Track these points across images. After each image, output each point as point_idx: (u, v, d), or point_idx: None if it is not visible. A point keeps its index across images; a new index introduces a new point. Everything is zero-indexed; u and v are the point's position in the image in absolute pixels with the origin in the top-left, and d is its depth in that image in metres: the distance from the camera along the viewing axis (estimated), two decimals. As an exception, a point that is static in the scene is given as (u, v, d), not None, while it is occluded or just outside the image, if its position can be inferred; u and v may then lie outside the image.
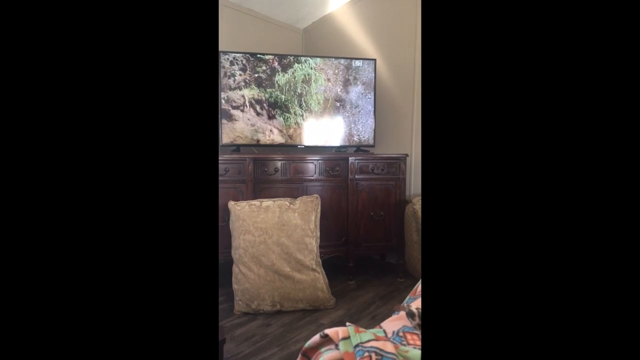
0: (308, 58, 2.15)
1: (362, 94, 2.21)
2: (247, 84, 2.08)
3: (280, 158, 1.93)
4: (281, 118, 2.14)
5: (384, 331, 0.73)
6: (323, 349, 0.67)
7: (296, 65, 2.13)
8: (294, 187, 1.94)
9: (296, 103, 2.15)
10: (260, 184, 1.90)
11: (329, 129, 2.20)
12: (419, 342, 0.68)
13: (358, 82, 2.20)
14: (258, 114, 2.11)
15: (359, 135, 2.23)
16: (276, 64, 2.11)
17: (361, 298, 1.79)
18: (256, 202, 1.70)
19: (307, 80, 2.15)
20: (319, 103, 2.18)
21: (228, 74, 2.04)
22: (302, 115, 2.17)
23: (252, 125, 2.10)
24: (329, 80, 2.17)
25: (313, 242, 1.69)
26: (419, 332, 0.73)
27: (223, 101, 2.04)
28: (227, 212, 1.71)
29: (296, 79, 2.14)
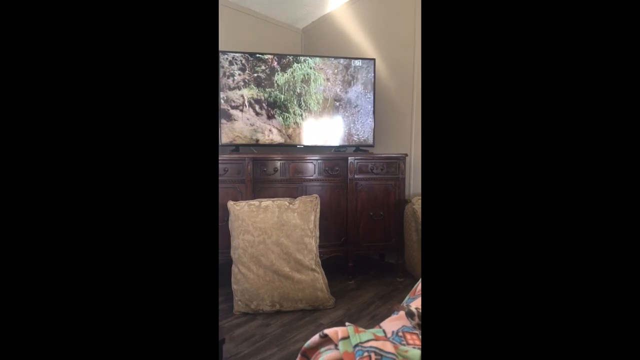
0: (307, 58, 2.15)
1: (361, 93, 2.21)
2: (246, 84, 2.08)
3: (279, 158, 1.93)
4: (280, 118, 2.14)
5: (384, 331, 0.73)
6: (322, 349, 0.67)
7: (295, 65, 2.13)
8: (293, 187, 1.94)
9: (295, 103, 2.15)
10: (259, 184, 1.90)
11: (328, 129, 2.20)
12: (418, 342, 0.68)
13: (357, 82, 2.20)
14: (257, 113, 2.11)
15: (358, 135, 2.22)
16: (275, 63, 2.11)
17: (360, 298, 1.79)
18: (255, 202, 1.70)
19: (306, 80, 2.15)
20: (318, 103, 2.18)
21: (227, 73, 2.04)
22: (302, 115, 2.17)
23: (251, 125, 2.10)
24: (328, 80, 2.17)
25: (312, 242, 1.69)
26: (418, 331, 0.73)
27: (222, 101, 2.04)
28: (226, 212, 1.70)
29: (295, 78, 2.14)
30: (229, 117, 2.06)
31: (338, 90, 2.19)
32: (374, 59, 2.22)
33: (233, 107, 2.07)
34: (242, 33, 2.65)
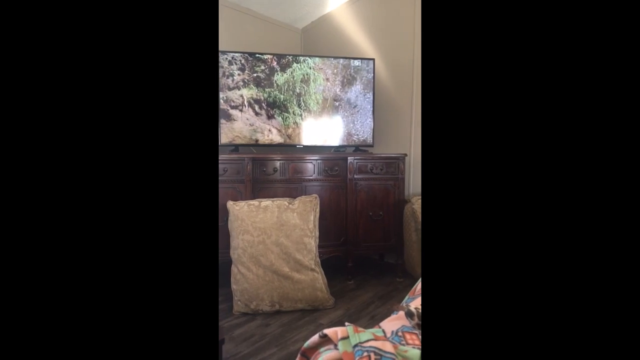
0: (307, 58, 2.15)
1: (360, 93, 2.21)
2: (245, 84, 2.07)
3: (279, 158, 1.93)
4: (280, 118, 2.14)
5: (383, 331, 0.73)
6: (322, 349, 0.67)
7: (295, 64, 2.13)
8: (292, 187, 1.94)
9: (295, 103, 2.15)
10: (259, 184, 1.90)
11: (327, 129, 2.20)
12: (418, 342, 0.68)
13: (357, 82, 2.20)
14: (257, 113, 2.11)
15: (357, 135, 2.23)
16: (275, 63, 2.11)
17: (360, 298, 1.79)
18: (255, 202, 1.70)
19: (305, 80, 2.15)
20: (317, 103, 2.18)
21: (227, 73, 2.04)
22: (301, 115, 2.17)
23: (251, 125, 2.10)
24: (327, 79, 2.17)
25: (312, 242, 1.69)
26: (418, 331, 0.73)
27: (222, 101, 2.04)
28: (226, 212, 1.70)
29: (295, 78, 2.14)
30: (229, 117, 2.06)
31: (337, 90, 2.19)
32: (373, 59, 2.22)
33: (232, 107, 2.06)
34: (242, 33, 2.65)
